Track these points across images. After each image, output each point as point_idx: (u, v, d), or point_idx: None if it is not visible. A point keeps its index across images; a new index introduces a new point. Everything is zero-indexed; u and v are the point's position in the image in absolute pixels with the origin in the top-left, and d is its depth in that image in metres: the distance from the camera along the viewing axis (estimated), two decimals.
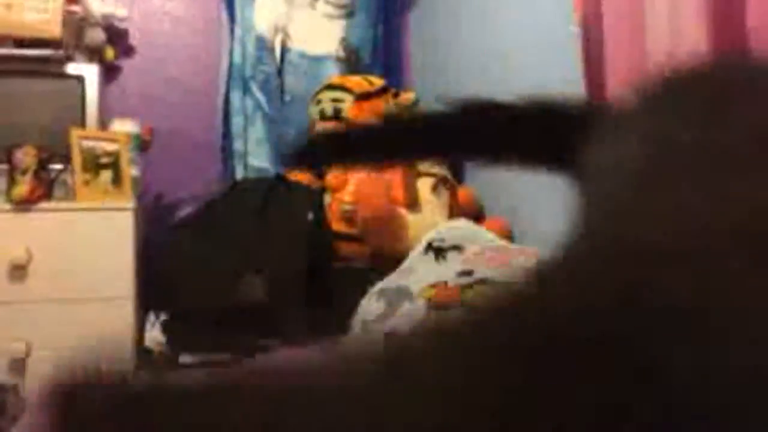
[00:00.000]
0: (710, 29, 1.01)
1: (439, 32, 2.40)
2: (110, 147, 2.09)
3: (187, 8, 2.69)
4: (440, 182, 1.91)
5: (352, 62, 2.67)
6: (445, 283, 1.40)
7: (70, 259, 1.94)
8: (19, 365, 1.89)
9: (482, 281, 1.35)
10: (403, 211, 1.85)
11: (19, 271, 1.91)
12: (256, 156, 2.57)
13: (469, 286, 1.35)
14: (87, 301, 1.93)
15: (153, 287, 1.98)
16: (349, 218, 1.92)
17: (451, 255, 1.55)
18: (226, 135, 2.57)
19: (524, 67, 1.73)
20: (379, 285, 1.55)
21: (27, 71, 2.18)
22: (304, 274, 1.77)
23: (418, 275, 1.51)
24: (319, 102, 2.36)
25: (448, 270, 1.46)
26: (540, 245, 1.58)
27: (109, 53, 2.46)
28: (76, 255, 1.94)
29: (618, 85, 1.24)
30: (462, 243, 1.58)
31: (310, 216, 1.85)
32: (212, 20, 2.66)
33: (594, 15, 1.32)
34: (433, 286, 1.41)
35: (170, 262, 1.87)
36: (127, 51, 2.61)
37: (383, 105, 2.41)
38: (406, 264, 1.62)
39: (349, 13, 2.72)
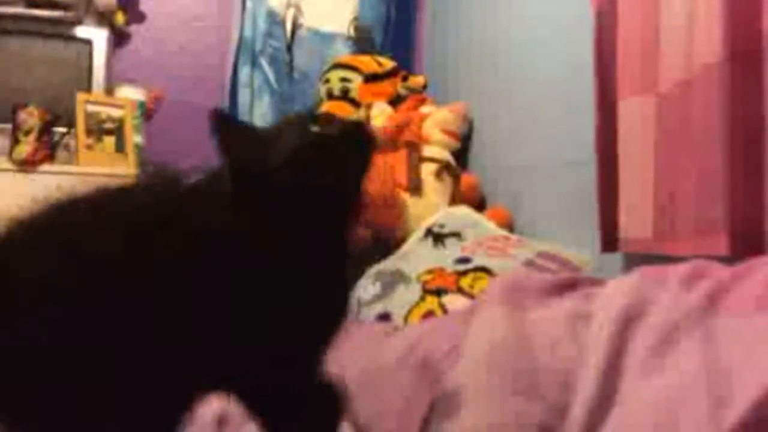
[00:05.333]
0: (726, 26, 0.99)
1: (454, 15, 2.38)
2: (115, 113, 2.08)
3: None
4: (444, 168, 1.90)
5: (362, 42, 2.65)
6: (442, 269, 1.40)
7: None
8: None
9: (479, 269, 1.35)
10: (405, 195, 1.84)
11: None
12: None
13: (466, 273, 1.34)
14: None
15: None
16: None
17: (450, 242, 1.55)
18: (232, 108, 2.56)
19: (538, 52, 1.72)
20: (377, 267, 1.55)
21: (36, 32, 2.16)
22: None
23: (416, 260, 1.51)
24: (327, 81, 2.34)
25: (446, 256, 1.46)
26: (540, 236, 1.57)
27: (120, 18, 2.44)
28: None
29: (629, 74, 1.22)
30: (462, 230, 1.57)
31: None
32: None
33: (608, 9, 1.30)
34: (430, 271, 1.40)
35: None
36: (138, 17, 2.59)
37: (392, 87, 2.39)
38: (404, 248, 1.62)
39: None
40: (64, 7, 2.14)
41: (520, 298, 0.71)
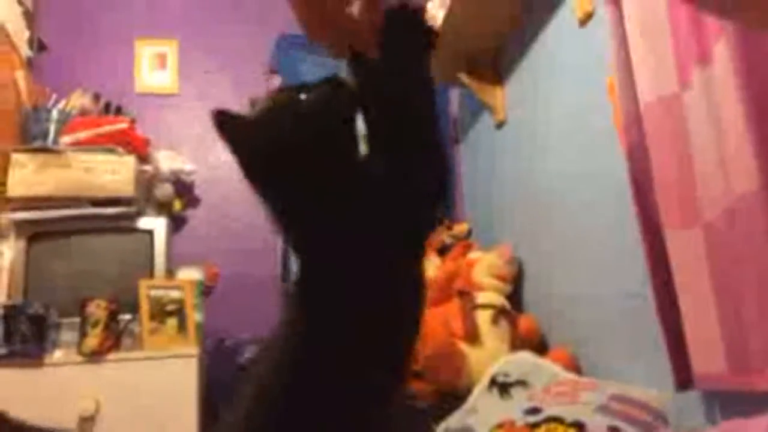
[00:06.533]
0: (757, 153, 1.01)
1: (487, 159, 2.47)
2: (176, 294, 2.16)
3: None
4: (500, 313, 1.88)
5: None
6: (512, 422, 1.34)
7: (136, 407, 1.96)
8: None
9: (552, 419, 1.29)
10: (463, 345, 1.81)
11: (88, 422, 1.93)
12: None
13: (538, 425, 1.28)
14: None
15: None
16: None
17: (516, 391, 1.50)
18: (285, 275, 2.64)
19: (578, 185, 1.74)
20: (444, 425, 1.50)
21: (101, 228, 2.32)
22: None
23: (484, 414, 1.45)
24: None
25: (514, 407, 1.41)
26: (609, 375, 1.51)
27: (177, 205, 2.62)
28: (142, 403, 1.96)
29: (670, 205, 1.23)
30: (527, 378, 1.52)
31: None
32: None
33: (638, 144, 1.34)
34: (499, 425, 1.35)
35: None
36: (193, 202, 2.77)
37: (438, 237, 2.44)
38: (470, 402, 1.57)
39: None
40: (126, 203, 2.30)
41: None
